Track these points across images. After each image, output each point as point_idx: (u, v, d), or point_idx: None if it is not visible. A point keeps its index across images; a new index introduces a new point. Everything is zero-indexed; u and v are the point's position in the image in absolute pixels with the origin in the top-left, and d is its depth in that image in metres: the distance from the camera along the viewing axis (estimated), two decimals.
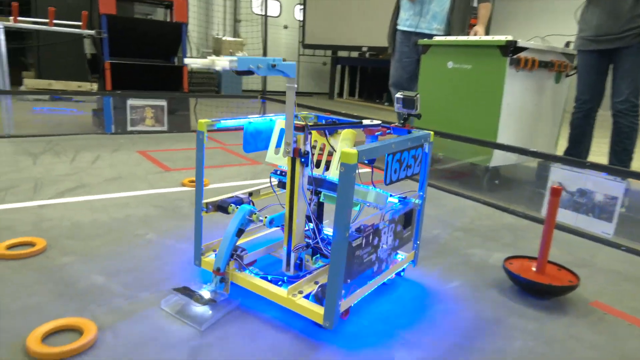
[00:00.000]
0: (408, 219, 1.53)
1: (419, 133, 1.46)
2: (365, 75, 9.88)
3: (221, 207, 1.50)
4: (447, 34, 3.63)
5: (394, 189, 1.59)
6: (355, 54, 9.57)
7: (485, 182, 3.14)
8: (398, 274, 1.67)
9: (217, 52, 8.70)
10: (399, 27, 3.79)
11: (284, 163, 1.53)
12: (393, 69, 3.91)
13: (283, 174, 1.59)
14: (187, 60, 1.22)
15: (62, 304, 1.37)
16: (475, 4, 3.71)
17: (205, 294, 1.42)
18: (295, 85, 1.30)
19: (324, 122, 1.63)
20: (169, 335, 1.26)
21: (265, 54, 5.40)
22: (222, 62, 1.11)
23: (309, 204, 1.49)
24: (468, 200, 2.82)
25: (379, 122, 1.54)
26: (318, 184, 1.51)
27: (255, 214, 1.41)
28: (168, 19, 4.62)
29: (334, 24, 8.92)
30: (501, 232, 2.28)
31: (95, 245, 1.79)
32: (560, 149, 3.33)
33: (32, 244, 1.73)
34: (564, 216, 2.29)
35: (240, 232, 1.40)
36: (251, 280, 1.41)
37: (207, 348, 1.21)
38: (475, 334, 1.38)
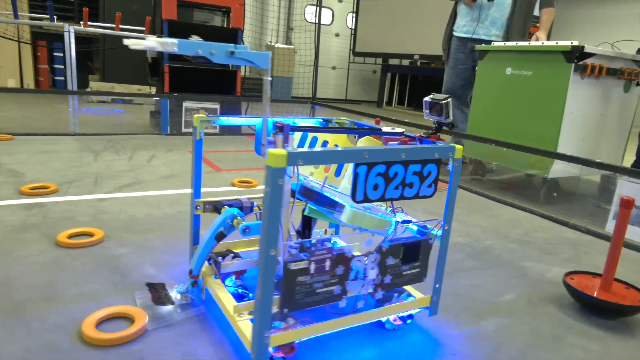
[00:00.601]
0: (412, 252, 1.21)
1: (438, 145, 1.14)
2: (416, 83, 9.74)
3: (216, 209, 1.41)
4: (506, 40, 3.51)
5: (423, 213, 1.42)
6: (406, 62, 9.47)
7: (542, 194, 2.98)
8: (403, 319, 1.35)
9: (271, 59, 8.88)
10: (455, 33, 3.70)
11: (305, 172, 1.43)
12: (447, 76, 3.82)
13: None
14: (125, 42, 1.03)
15: (115, 292, 1.42)
16: (536, 12, 3.57)
17: (174, 294, 1.37)
18: (270, 78, 1.14)
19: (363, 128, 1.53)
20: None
21: (317, 60, 5.46)
22: (150, 43, 0.97)
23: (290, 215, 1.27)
24: (523, 212, 2.68)
25: (402, 130, 1.32)
26: (305, 195, 1.32)
27: (237, 218, 1.29)
28: (225, 25, 4.76)
29: (386, 31, 8.87)
30: (560, 246, 2.15)
31: (149, 239, 1.85)
32: (626, 163, 3.11)
33: (90, 234, 1.81)
34: (632, 233, 2.13)
35: (220, 236, 1.29)
36: (215, 290, 1.29)
37: (135, 346, 1.17)
38: (532, 350, 1.29)
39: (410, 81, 9.79)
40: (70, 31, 3.68)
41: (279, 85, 8.65)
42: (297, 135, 1.51)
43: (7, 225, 1.86)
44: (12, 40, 5.98)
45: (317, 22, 5.20)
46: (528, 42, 2.99)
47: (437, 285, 1.30)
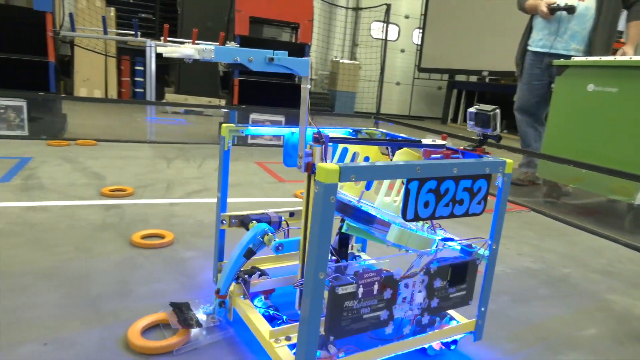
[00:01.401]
0: (459, 274, 1.14)
1: (489, 160, 1.07)
2: (484, 100, 9.41)
3: (243, 223, 1.34)
4: (587, 54, 3.29)
5: (465, 233, 1.26)
6: (473, 78, 9.19)
7: (627, 221, 2.73)
8: (447, 345, 1.26)
9: (335, 75, 8.99)
10: (530, 48, 3.54)
11: (348, 190, 1.35)
12: (520, 92, 3.65)
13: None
14: (160, 49, 1.02)
15: (183, 292, 1.46)
16: (620, 27, 3.33)
17: (200, 315, 1.27)
18: (309, 86, 1.08)
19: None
20: None
21: (382, 75, 5.45)
22: (188, 50, 0.93)
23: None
24: (605, 240, 2.47)
25: (444, 142, 1.23)
26: (342, 210, 1.24)
27: (269, 235, 1.21)
28: (293, 41, 4.89)
29: (453, 47, 8.68)
30: None
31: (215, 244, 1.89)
32: None
33: (162, 236, 1.89)
34: None
35: (249, 253, 1.22)
36: (246, 311, 1.21)
37: None
38: None
39: (478, 98, 9.48)
40: (151, 46, 3.94)
41: (342, 100, 8.72)
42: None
43: (90, 224, 1.99)
44: (100, 55, 6.52)
45: (384, 38, 5.19)
46: (613, 57, 2.78)
47: (483, 309, 1.21)
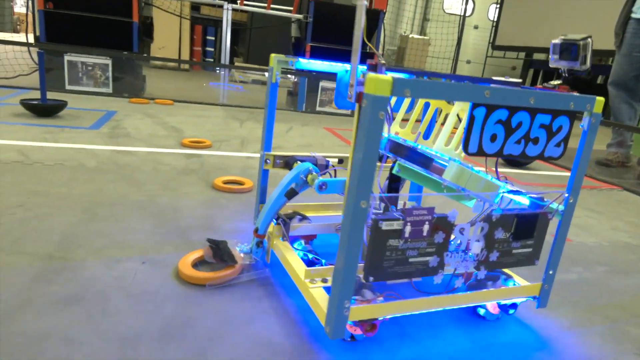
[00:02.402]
0: (526, 227, 0.99)
1: (574, 94, 0.90)
2: (564, 81, 8.77)
3: (287, 164, 1.26)
4: None
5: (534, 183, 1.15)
6: None
7: None
8: (505, 308, 1.12)
9: (402, 50, 8.73)
10: (635, 15, 3.21)
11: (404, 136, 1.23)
12: (617, 64, 3.33)
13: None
14: None
15: None
16: None
17: (236, 253, 1.21)
18: (365, 2, 0.96)
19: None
20: None
21: (457, 53, 5.22)
22: None
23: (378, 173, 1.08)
24: None
25: (520, 80, 1.09)
26: (395, 151, 1.13)
27: (313, 174, 1.11)
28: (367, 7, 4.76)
29: (533, 23, 8.12)
30: None
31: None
32: None
33: (241, 183, 1.92)
34: None
35: (291, 193, 1.14)
36: (284, 252, 1.14)
37: (193, 307, 1.03)
38: None
39: (557, 79, 8.86)
40: (228, 8, 3.99)
41: None
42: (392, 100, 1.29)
43: (173, 168, 2.06)
44: (175, 25, 6.73)
45: (462, 14, 4.93)
46: None
47: (551, 272, 1.06)
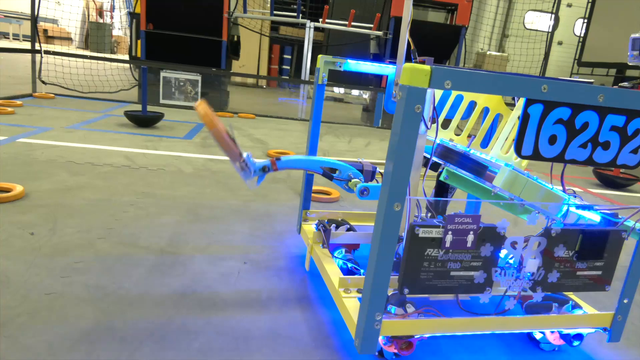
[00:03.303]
0: (595, 246, 0.84)
1: None
2: None
3: (332, 169, 1.17)
4: None
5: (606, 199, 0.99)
6: None
7: None
8: (567, 339, 0.96)
9: (479, 67, 8.50)
10: None
11: (444, 137, 1.15)
12: None
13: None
14: None
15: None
16: None
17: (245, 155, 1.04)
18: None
19: None
20: None
21: (544, 71, 4.99)
22: None
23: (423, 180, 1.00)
24: None
25: (591, 80, 0.90)
26: (445, 156, 1.04)
27: (355, 179, 1.08)
28: (449, 22, 4.70)
29: (625, 38, 7.55)
30: None
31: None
32: None
33: (328, 193, 1.95)
34: None
35: (329, 172, 1.07)
36: (321, 259, 1.08)
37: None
38: None
39: None
40: (310, 27, 4.12)
41: None
42: (438, 94, 1.20)
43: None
44: (254, 45, 7.07)
45: (550, 30, 4.71)
46: None
47: (626, 301, 0.90)
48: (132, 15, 4.45)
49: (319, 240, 1.18)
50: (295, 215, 1.65)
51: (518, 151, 0.76)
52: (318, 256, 1.13)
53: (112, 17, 12.91)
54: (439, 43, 4.54)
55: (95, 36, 11.01)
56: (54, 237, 1.25)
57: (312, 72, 7.76)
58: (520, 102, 1.04)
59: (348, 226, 1.27)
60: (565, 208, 0.92)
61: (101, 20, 12.48)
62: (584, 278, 0.87)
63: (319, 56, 1.20)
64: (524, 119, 0.74)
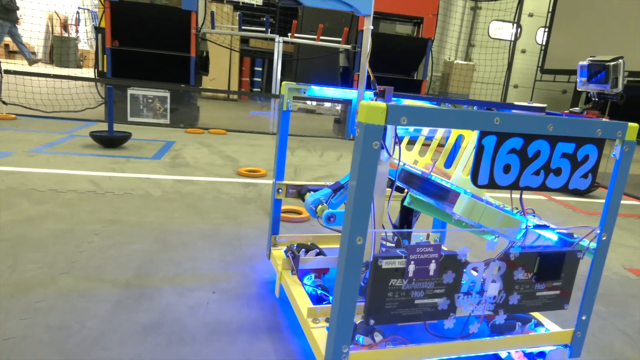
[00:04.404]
0: (552, 267, 0.88)
1: (602, 120, 0.82)
2: (616, 105, 8.42)
3: (300, 194, 1.23)
4: None
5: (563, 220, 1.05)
6: None
7: None
8: (531, 358, 1.00)
9: (447, 76, 8.70)
10: None
11: (408, 160, 1.18)
12: None
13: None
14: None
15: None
16: None
17: None
18: (371, 27, 0.98)
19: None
20: None
21: (508, 79, 5.16)
22: None
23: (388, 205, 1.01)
24: None
25: (544, 105, 1.01)
26: (407, 181, 1.08)
27: (323, 205, 1.08)
28: (415, 35, 4.81)
29: (585, 46, 7.89)
30: None
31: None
32: None
33: (299, 212, 1.95)
34: None
35: (300, 193, 1.10)
36: (290, 287, 1.10)
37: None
38: None
39: (612, 102, 8.51)
40: (279, 41, 4.14)
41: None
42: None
43: (232, 197, 2.12)
44: (224, 57, 7.05)
45: (511, 38, 4.88)
46: None
47: (584, 317, 0.94)
48: (98, 29, 4.37)
49: (288, 267, 1.18)
50: (266, 238, 1.65)
51: (474, 181, 0.79)
52: (287, 284, 1.13)
53: (77, 31, 12.63)
54: (407, 55, 4.63)
55: (59, 51, 10.76)
56: (14, 274, 1.21)
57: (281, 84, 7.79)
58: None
59: (317, 250, 1.27)
60: (523, 231, 0.94)
61: (66, 35, 12.20)
62: (544, 298, 0.91)
63: (283, 83, 1.21)
64: (479, 150, 0.77)
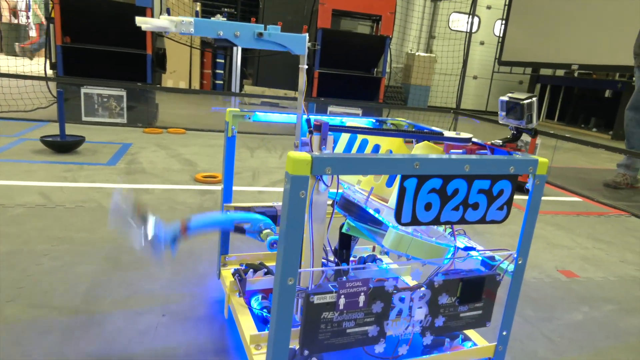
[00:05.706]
0: (473, 290, 0.98)
1: (514, 157, 0.90)
2: (571, 96, 8.79)
3: (240, 226, 1.22)
4: None
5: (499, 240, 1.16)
6: (560, 72, 8.62)
7: None
8: None
9: (409, 68, 8.83)
10: None
11: (352, 180, 1.21)
12: (638, 88, 3.35)
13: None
14: (138, 20, 0.92)
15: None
16: None
17: (151, 225, 1.05)
18: (306, 66, 1.01)
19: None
20: None
21: (464, 69, 5.27)
22: (161, 22, 0.87)
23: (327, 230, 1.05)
24: None
25: (470, 136, 1.07)
26: (346, 208, 1.12)
27: (267, 230, 1.12)
28: (374, 33, 4.86)
29: (539, 39, 8.17)
30: None
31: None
32: None
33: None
34: None
35: (239, 230, 1.12)
36: (236, 311, 1.14)
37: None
38: None
39: (564, 93, 8.87)
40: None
41: (416, 94, 8.55)
42: (344, 139, 1.29)
43: (188, 207, 2.13)
44: (186, 49, 6.90)
45: (468, 30, 5.01)
46: None
47: (504, 333, 1.04)
48: (49, 20, 4.18)
49: (236, 289, 1.21)
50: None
51: (398, 219, 0.85)
52: (234, 307, 1.17)
53: (28, 18, 12.02)
54: (366, 53, 4.68)
55: (9, 39, 10.21)
56: None
57: (243, 77, 7.69)
58: (418, 145, 1.14)
59: (266, 270, 1.30)
60: (450, 255, 1.02)
61: (15, 21, 11.59)
62: (467, 318, 0.99)
63: (228, 110, 1.23)
64: (401, 192, 0.83)
